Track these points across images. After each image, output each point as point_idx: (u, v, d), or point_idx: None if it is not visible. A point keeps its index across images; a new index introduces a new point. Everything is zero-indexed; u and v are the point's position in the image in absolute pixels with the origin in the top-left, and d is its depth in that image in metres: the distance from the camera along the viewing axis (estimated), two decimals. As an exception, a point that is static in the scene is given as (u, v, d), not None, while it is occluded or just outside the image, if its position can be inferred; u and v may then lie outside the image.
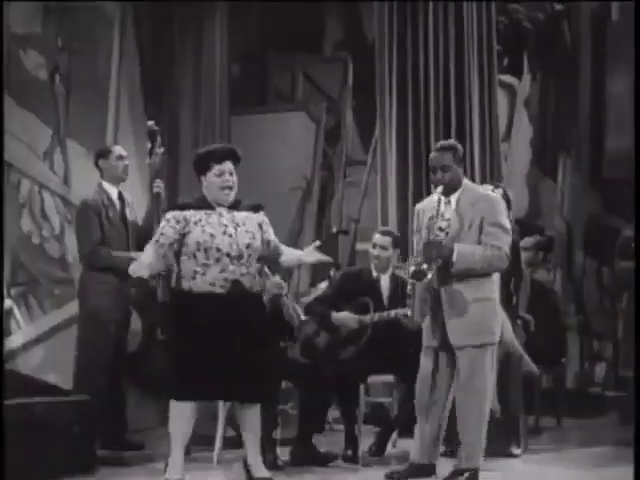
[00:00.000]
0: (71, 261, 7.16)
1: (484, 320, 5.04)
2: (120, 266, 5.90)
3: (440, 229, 5.05)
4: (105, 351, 6.02)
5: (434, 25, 7.88)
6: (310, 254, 5.22)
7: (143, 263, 4.99)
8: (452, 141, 5.38)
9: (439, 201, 5.09)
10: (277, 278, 5.90)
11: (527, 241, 7.13)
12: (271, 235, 5.16)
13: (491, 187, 6.01)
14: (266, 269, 5.89)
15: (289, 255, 5.26)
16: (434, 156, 5.18)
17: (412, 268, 4.99)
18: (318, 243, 5.25)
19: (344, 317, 6.04)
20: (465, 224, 5.04)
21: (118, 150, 6.29)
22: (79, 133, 7.51)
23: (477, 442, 5.00)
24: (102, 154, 6.27)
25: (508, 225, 5.09)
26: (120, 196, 6.24)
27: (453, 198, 5.11)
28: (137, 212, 6.42)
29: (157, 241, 4.95)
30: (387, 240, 6.15)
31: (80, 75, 7.59)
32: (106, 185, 6.21)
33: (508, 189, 6.35)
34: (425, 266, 4.94)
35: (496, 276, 5.18)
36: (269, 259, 5.23)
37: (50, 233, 7.30)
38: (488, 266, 5.01)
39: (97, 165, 6.28)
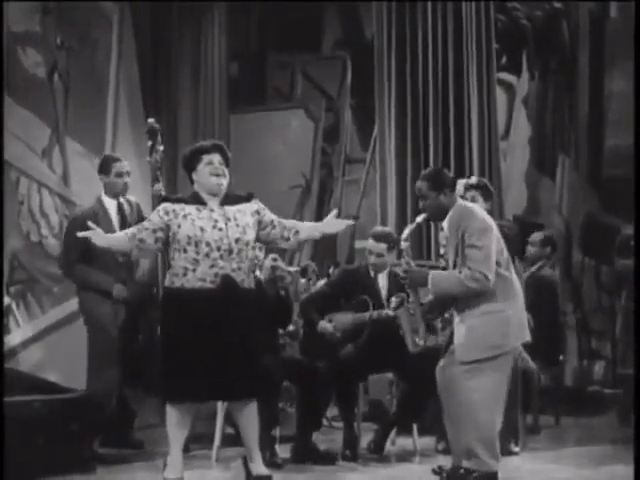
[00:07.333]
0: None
1: (470, 339, 4.87)
2: (95, 287, 5.89)
3: (441, 256, 5.08)
4: (109, 350, 5.99)
5: (433, 23, 7.89)
6: (331, 224, 5.16)
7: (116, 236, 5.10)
8: (430, 169, 5.27)
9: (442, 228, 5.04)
10: (290, 268, 5.92)
11: (535, 236, 7.12)
12: (272, 216, 5.10)
13: (464, 181, 5.97)
14: (272, 261, 5.92)
15: (308, 230, 5.19)
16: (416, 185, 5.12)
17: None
18: (336, 211, 5.22)
19: (325, 327, 6.00)
20: (452, 249, 4.91)
21: (119, 167, 6.03)
22: (78, 131, 7.51)
23: (465, 444, 4.94)
24: (103, 169, 6.06)
25: (481, 242, 4.82)
26: (119, 208, 6.05)
27: (445, 223, 5.00)
28: (138, 214, 6.32)
29: (142, 224, 5.01)
30: (382, 247, 6.05)
31: (79, 73, 7.60)
32: (105, 199, 6.03)
33: (484, 179, 6.33)
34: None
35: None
36: (282, 239, 5.10)
37: (49, 231, 7.30)
38: (462, 288, 4.79)
39: (99, 176, 6.11)
